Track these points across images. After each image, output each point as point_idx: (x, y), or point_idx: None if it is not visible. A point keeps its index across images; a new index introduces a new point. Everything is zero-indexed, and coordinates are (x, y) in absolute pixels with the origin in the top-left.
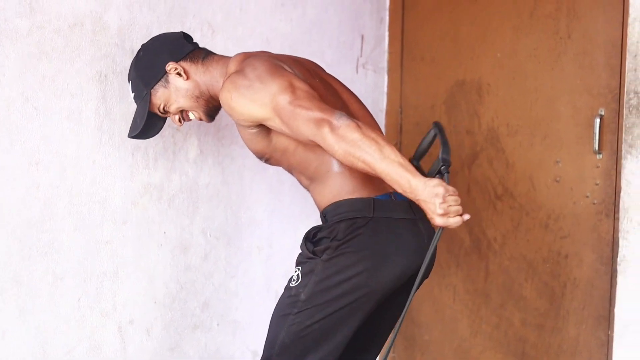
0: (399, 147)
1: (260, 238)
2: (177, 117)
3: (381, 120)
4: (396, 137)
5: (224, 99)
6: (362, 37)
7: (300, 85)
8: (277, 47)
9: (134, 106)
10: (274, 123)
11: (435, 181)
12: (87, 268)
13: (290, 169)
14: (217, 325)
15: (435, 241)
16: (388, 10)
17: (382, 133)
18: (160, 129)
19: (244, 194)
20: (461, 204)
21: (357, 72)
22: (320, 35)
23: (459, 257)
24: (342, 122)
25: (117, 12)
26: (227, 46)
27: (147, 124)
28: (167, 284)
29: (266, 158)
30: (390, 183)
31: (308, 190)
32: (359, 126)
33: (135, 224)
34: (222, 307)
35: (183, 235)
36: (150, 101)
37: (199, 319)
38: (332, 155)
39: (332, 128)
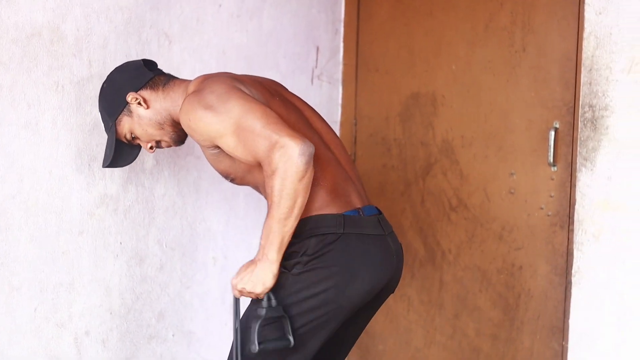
0: (354, 159)
1: (215, 249)
2: (149, 145)
3: (336, 131)
4: (351, 149)
5: (183, 121)
6: (317, 48)
7: (257, 107)
8: (233, 58)
9: (91, 116)
10: (228, 144)
11: (276, 271)
12: (43, 278)
13: (257, 188)
14: (173, 335)
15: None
16: (343, 22)
17: (343, 149)
18: (136, 155)
19: (200, 205)
20: (416, 215)
21: (312, 83)
22: (275, 47)
23: (414, 267)
24: (297, 160)
25: (74, 22)
26: (184, 57)
27: (121, 152)
28: (123, 295)
29: (231, 178)
30: (264, 234)
31: None
32: (302, 179)
33: (92, 235)
34: (178, 318)
35: (139, 246)
36: (116, 131)
37: (155, 329)
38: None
39: (283, 156)
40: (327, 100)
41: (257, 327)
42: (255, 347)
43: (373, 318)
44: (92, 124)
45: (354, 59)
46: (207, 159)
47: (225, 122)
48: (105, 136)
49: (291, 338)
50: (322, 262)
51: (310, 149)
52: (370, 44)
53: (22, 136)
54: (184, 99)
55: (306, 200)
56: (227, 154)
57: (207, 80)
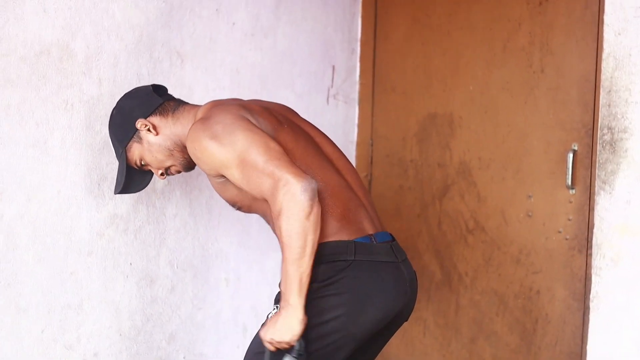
0: (369, 179)
1: (227, 270)
2: (159, 171)
3: (351, 151)
4: (367, 170)
5: (189, 148)
6: (333, 67)
7: (264, 141)
8: (247, 77)
9: (101, 135)
10: (232, 175)
11: (302, 315)
12: (51, 300)
13: (264, 216)
14: (184, 358)
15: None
16: (359, 41)
17: (355, 175)
18: (148, 181)
19: (212, 226)
20: (432, 237)
21: (327, 102)
22: (290, 66)
23: (430, 290)
24: (301, 198)
25: (84, 40)
26: (197, 76)
27: (133, 178)
28: (133, 316)
29: (238, 206)
30: (282, 279)
31: None
32: (308, 216)
33: (101, 255)
34: (189, 340)
35: (149, 267)
36: (127, 158)
37: (165, 351)
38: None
39: (288, 195)
40: (343, 120)
41: None
42: None
43: (389, 341)
44: (102, 143)
45: (371, 78)
46: (213, 187)
47: (230, 154)
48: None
49: None
50: (332, 289)
51: (312, 184)
52: (387, 63)
53: (30, 155)
54: (191, 127)
55: (318, 237)
56: (233, 183)
57: (215, 108)
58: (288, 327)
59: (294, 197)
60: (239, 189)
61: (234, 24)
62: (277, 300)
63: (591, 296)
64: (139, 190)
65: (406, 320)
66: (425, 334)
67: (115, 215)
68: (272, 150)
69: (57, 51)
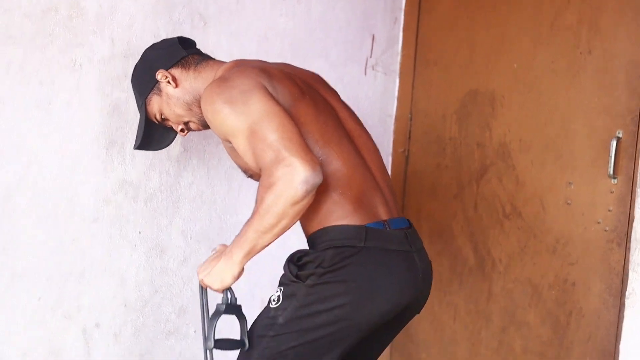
0: (407, 155)
1: None
2: (179, 127)
3: (389, 126)
4: (404, 145)
5: (202, 108)
6: (373, 37)
7: (276, 115)
8: (277, 45)
9: (112, 98)
10: (238, 143)
11: (236, 271)
12: (49, 267)
13: None
14: (194, 332)
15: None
16: (403, 10)
17: (376, 155)
18: (172, 139)
19: (231, 197)
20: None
21: (365, 73)
22: (325, 34)
23: (462, 275)
24: (299, 187)
25: None
26: (220, 41)
27: (154, 134)
28: (140, 287)
29: (250, 174)
30: (240, 233)
31: None
32: (295, 203)
33: (107, 223)
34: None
35: (160, 237)
36: (147, 111)
37: (174, 325)
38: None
39: (287, 177)
40: (381, 92)
41: (214, 324)
42: (211, 344)
43: (417, 325)
44: (112, 107)
45: (413, 50)
46: (225, 150)
47: (241, 124)
48: (127, 120)
49: (246, 340)
50: (338, 276)
51: (316, 179)
52: (430, 35)
53: (32, 116)
54: (207, 86)
55: (291, 225)
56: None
57: (236, 69)
58: (220, 277)
59: (292, 182)
60: None
61: None
62: (281, 282)
63: (627, 293)
64: (160, 148)
65: (417, 313)
66: (456, 319)
67: (125, 181)
68: (285, 128)
69: (65, 8)
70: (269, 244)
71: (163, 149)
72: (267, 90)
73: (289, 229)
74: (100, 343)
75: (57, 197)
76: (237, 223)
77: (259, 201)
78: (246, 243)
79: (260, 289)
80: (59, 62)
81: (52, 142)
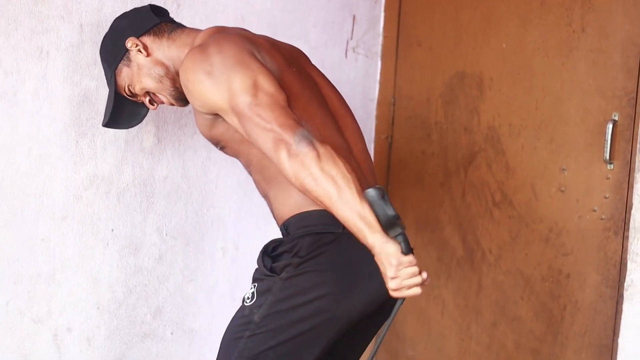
0: (390, 142)
1: (225, 239)
2: (146, 99)
3: (371, 110)
4: (387, 131)
5: (182, 78)
6: (354, 17)
7: (266, 85)
8: (254, 26)
9: (81, 87)
10: (231, 121)
11: (392, 249)
12: (17, 269)
13: (248, 165)
14: (171, 334)
15: (395, 311)
16: None
17: (359, 136)
18: (143, 116)
19: (208, 190)
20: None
21: (346, 56)
22: (304, 14)
23: (450, 267)
24: (301, 149)
25: None
26: (195, 24)
27: (123, 110)
28: (113, 288)
29: (222, 146)
30: (349, 233)
31: (266, 197)
32: (319, 157)
33: (78, 220)
34: (178, 315)
35: (134, 234)
36: (116, 83)
37: (150, 326)
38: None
39: (290, 154)
40: (363, 75)
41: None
42: None
43: (403, 320)
44: (81, 96)
45: (395, 31)
46: (196, 122)
47: (224, 94)
48: (98, 110)
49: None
50: (315, 265)
51: (304, 132)
52: (414, 15)
53: None
54: (187, 53)
55: (342, 165)
56: (222, 121)
57: (218, 34)
58: (389, 262)
59: (295, 157)
60: (226, 127)
61: None
62: (255, 278)
63: (625, 285)
64: (130, 126)
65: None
66: (444, 314)
67: (96, 176)
68: (271, 98)
69: None
70: (359, 197)
71: (135, 126)
72: (255, 57)
73: (347, 175)
74: (73, 348)
75: (24, 193)
76: (215, 217)
77: (303, 192)
78: (353, 225)
79: (240, 287)
80: (25, 49)
81: (18, 135)
